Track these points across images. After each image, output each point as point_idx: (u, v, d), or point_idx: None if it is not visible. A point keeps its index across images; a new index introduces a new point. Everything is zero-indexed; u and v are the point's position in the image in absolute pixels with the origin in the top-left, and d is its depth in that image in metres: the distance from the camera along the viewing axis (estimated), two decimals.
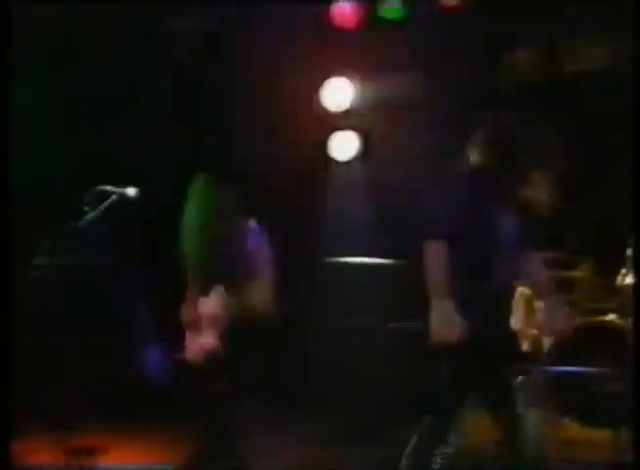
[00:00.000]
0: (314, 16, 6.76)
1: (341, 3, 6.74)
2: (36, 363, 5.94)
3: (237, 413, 4.76)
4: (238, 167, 6.52)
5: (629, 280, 5.54)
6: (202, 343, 4.40)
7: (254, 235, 4.40)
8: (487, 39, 6.62)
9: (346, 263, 6.63)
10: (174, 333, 4.65)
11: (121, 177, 4.70)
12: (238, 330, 4.36)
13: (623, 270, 5.59)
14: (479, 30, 6.56)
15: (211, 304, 4.40)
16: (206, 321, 4.39)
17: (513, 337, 4.53)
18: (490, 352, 3.98)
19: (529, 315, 5.70)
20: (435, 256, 3.93)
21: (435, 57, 6.64)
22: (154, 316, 6.46)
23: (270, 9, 6.50)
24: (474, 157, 4.21)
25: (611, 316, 5.59)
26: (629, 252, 5.57)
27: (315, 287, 6.78)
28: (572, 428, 5.50)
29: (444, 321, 3.93)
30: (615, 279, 5.65)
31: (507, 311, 4.18)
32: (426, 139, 6.65)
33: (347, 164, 7.11)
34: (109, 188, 4.64)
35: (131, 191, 4.67)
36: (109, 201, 4.59)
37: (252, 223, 4.44)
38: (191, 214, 4.41)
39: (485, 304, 3.98)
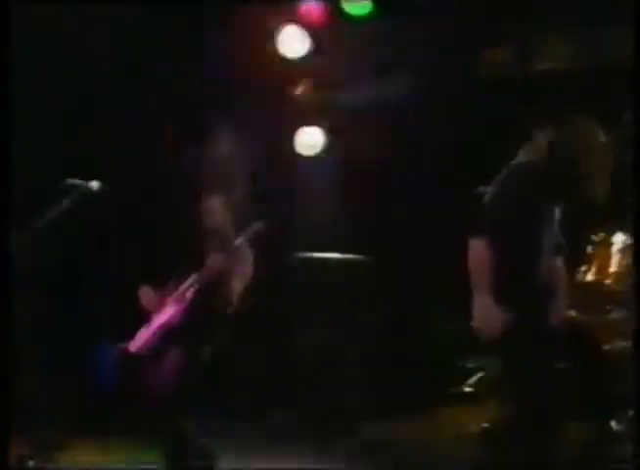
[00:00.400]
0: (282, 12, 6.76)
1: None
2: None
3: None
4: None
5: (590, 277, 5.62)
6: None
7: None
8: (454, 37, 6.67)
9: (315, 259, 6.67)
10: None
11: (87, 172, 4.71)
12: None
13: (584, 267, 5.66)
14: (444, 29, 6.59)
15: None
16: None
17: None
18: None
19: None
20: (479, 253, 4.02)
21: (402, 55, 6.66)
22: (110, 313, 6.44)
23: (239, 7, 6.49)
24: (534, 155, 4.27)
25: (571, 313, 5.65)
26: (590, 249, 5.65)
27: (284, 282, 6.82)
28: None
29: (487, 317, 4.00)
30: (575, 276, 5.71)
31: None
32: (393, 137, 6.70)
33: (314, 159, 7.13)
34: (71, 182, 4.64)
35: (94, 185, 4.67)
36: (73, 195, 4.59)
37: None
38: None
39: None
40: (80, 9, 6.19)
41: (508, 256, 4.05)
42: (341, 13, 6.67)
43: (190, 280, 4.56)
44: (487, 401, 5.51)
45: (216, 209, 4.66)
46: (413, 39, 6.65)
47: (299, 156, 7.17)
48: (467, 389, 6.28)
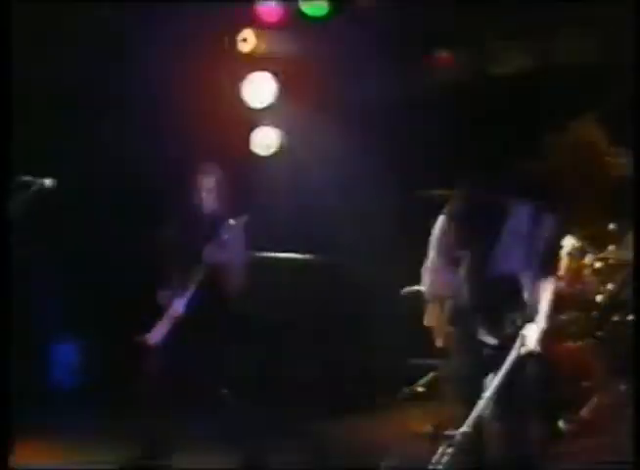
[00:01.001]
0: (238, 11, 6.76)
1: None
2: None
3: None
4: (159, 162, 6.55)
5: None
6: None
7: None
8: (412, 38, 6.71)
9: (269, 258, 6.68)
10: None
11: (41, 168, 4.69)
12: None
13: None
14: (404, 29, 6.63)
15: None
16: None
17: None
18: None
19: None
20: (441, 226, 4.32)
21: (359, 55, 6.70)
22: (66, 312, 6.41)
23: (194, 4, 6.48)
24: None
25: None
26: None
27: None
28: None
29: (436, 276, 4.24)
30: None
31: None
32: (348, 137, 6.73)
33: (269, 159, 7.14)
34: (27, 178, 4.62)
35: (48, 182, 4.65)
36: (28, 191, 4.57)
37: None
38: None
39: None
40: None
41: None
42: (299, 13, 6.68)
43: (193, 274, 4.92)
44: (439, 401, 5.57)
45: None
46: (367, 40, 6.67)
47: (255, 155, 7.18)
48: (419, 389, 6.34)
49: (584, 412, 5.33)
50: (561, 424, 5.25)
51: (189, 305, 4.94)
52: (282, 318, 6.69)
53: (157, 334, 4.99)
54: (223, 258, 4.95)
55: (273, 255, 6.71)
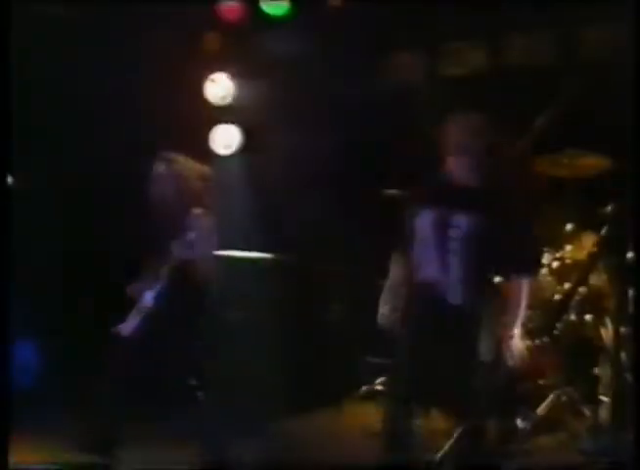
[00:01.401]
0: (200, 10, 6.74)
1: None
2: None
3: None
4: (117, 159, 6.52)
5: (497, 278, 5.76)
6: None
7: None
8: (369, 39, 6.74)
9: (229, 258, 6.67)
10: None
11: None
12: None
13: None
14: (363, 30, 6.66)
15: None
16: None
17: None
18: None
19: None
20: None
21: (318, 56, 6.72)
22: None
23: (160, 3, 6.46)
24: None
25: None
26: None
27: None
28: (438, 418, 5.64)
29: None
30: None
31: None
32: (306, 136, 6.74)
33: (229, 158, 7.13)
34: None
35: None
36: None
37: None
38: None
39: None
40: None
41: None
42: (258, 13, 6.68)
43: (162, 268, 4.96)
44: None
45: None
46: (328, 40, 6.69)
47: (215, 154, 7.15)
48: (377, 387, 6.37)
49: (541, 410, 5.40)
50: (518, 422, 5.31)
51: (157, 298, 4.99)
52: (238, 317, 6.68)
53: (128, 326, 5.01)
54: (191, 253, 4.94)
55: (233, 254, 6.70)
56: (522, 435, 5.29)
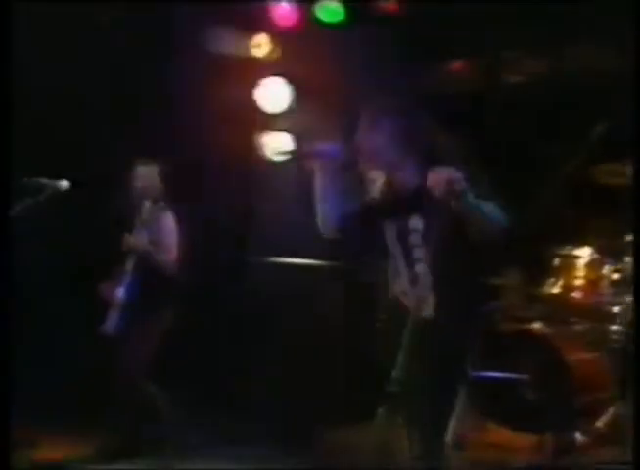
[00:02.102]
0: (253, 15, 6.74)
1: (280, 3, 6.74)
2: None
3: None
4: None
5: (556, 289, 5.68)
6: None
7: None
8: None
9: (278, 263, 6.65)
10: None
11: (55, 169, 4.67)
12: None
13: (550, 280, 5.72)
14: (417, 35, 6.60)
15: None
16: None
17: None
18: None
19: None
20: None
21: (373, 61, 6.67)
22: None
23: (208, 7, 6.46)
24: None
25: (536, 324, 5.70)
26: (556, 261, 5.71)
27: (247, 285, 6.81)
28: (497, 432, 5.58)
29: None
30: (541, 288, 5.77)
31: None
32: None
33: (282, 164, 7.10)
34: (42, 180, 4.62)
35: (63, 184, 4.66)
36: (43, 194, 4.56)
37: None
38: None
39: None
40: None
41: None
42: (314, 19, 6.66)
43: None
44: None
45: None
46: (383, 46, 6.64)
47: (267, 160, 7.15)
48: None
49: (599, 423, 5.31)
50: (577, 435, 5.23)
51: (129, 292, 5.35)
52: (286, 324, 6.64)
53: (110, 323, 5.32)
54: (141, 244, 5.40)
55: (284, 260, 6.68)
56: (580, 448, 5.20)
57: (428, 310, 3.68)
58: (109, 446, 5.38)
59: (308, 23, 6.74)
